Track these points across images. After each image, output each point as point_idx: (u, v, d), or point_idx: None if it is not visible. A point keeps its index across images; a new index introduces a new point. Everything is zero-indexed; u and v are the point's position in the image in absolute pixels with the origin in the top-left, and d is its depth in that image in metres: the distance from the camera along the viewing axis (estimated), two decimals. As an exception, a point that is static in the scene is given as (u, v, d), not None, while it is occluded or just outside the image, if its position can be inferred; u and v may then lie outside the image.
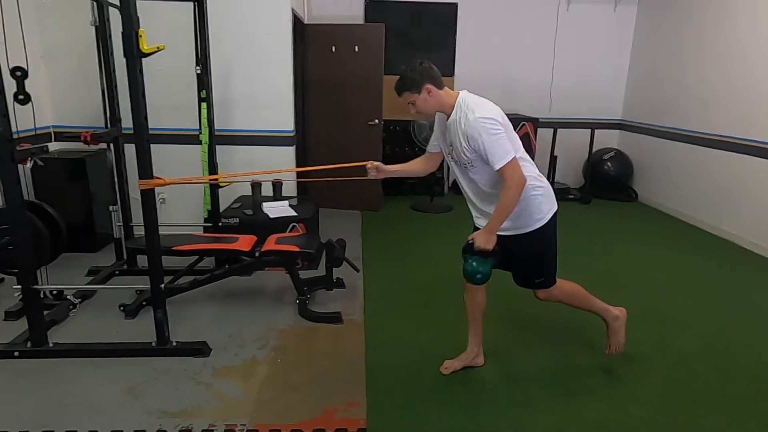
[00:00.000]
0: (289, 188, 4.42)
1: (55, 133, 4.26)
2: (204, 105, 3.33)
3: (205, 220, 3.58)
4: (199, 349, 2.60)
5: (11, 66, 2.73)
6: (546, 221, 2.22)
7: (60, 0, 3.95)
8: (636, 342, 2.76)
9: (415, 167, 2.47)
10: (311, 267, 3.51)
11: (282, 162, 4.41)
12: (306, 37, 4.98)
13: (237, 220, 3.63)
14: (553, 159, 5.96)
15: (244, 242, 3.07)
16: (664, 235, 4.88)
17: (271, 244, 3.06)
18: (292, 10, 4.25)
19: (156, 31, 3.84)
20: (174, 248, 2.98)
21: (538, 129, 5.94)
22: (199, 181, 3.27)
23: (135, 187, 4.35)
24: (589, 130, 5.93)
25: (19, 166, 2.48)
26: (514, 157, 2.03)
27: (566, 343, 2.80)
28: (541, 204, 2.20)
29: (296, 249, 2.99)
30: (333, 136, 5.22)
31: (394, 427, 2.12)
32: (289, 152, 4.43)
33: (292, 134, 4.40)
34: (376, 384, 2.40)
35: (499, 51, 6.16)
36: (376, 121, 5.12)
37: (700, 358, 2.68)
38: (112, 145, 3.46)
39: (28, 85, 3.82)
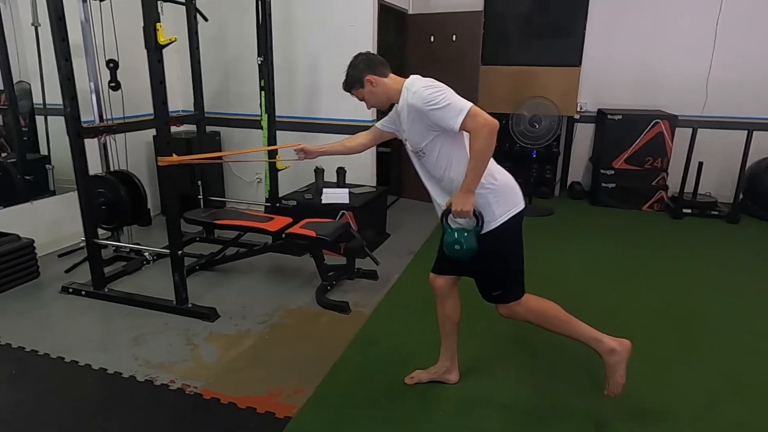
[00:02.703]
0: (367, 176, 4.51)
1: (183, 117, 5.02)
2: (263, 93, 3.58)
3: (266, 200, 3.88)
4: (206, 314, 2.87)
5: (107, 59, 3.30)
6: (499, 224, 1.91)
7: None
8: (666, 394, 2.21)
9: (349, 144, 2.37)
10: (357, 255, 3.49)
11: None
12: (407, 27, 4.96)
13: (294, 202, 3.85)
14: (690, 165, 4.91)
15: (275, 223, 3.25)
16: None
17: (297, 227, 3.19)
18: (380, 1, 4.27)
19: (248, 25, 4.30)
20: (216, 221, 3.32)
21: (678, 128, 4.97)
22: (207, 159, 3.28)
23: (236, 165, 4.96)
24: (752, 132, 4.73)
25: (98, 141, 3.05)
26: (471, 106, 1.78)
27: (564, 375, 2.37)
28: (492, 204, 1.90)
29: (313, 234, 3.06)
30: (428, 128, 5.12)
31: (320, 423, 2.07)
32: (368, 141, 4.49)
33: (372, 124, 4.45)
34: (334, 378, 2.36)
35: (638, 37, 5.29)
36: (470, 113, 4.85)
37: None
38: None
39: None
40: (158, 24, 2.46)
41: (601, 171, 5.23)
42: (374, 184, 4.54)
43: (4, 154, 3.98)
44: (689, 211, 4.89)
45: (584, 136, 5.72)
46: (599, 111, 5.46)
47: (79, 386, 2.30)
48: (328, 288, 3.21)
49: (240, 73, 4.64)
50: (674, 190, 5.11)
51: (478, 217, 1.89)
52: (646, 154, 5.04)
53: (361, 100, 2.06)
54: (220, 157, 2.94)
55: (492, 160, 1.93)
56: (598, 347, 2.01)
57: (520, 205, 1.96)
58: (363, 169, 4.51)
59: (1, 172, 3.83)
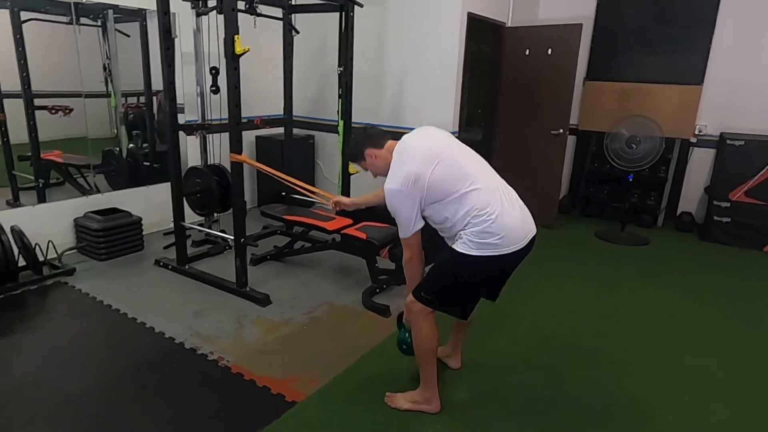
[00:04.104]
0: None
1: (273, 120, 5.41)
2: (340, 101, 3.80)
3: (338, 202, 4.09)
4: (259, 299, 3.14)
5: (210, 66, 3.76)
6: (464, 252, 1.94)
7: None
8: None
9: (381, 193, 2.38)
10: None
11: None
12: (503, 40, 4.89)
13: (363, 206, 4.01)
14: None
15: (335, 223, 3.45)
16: None
17: (352, 229, 3.34)
18: (471, 14, 4.28)
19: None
20: (284, 216, 3.61)
21: (817, 161, 4.23)
22: (266, 170, 3.39)
23: (328, 170, 5.27)
24: None
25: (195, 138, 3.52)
26: (410, 236, 2.00)
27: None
28: (474, 238, 1.92)
29: (363, 237, 3.19)
30: (516, 145, 4.99)
31: (318, 413, 2.19)
32: (448, 153, 4.52)
33: (456, 137, 4.47)
34: (348, 375, 2.46)
35: (777, 53, 4.60)
36: (560, 131, 4.63)
37: None
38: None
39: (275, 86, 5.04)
40: (236, 36, 2.79)
41: (715, 202, 4.64)
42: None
43: (145, 145, 4.70)
44: (824, 258, 4.14)
45: (702, 162, 5.11)
46: (721, 135, 4.85)
47: (137, 343, 2.68)
48: (377, 291, 3.32)
49: (335, 81, 4.94)
50: (806, 232, 4.36)
51: None
52: (773, 187, 4.37)
53: (366, 171, 2.26)
54: (285, 179, 3.14)
55: (487, 191, 1.94)
56: (424, 389, 2.19)
57: (501, 249, 1.92)
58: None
59: (131, 159, 4.54)
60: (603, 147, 4.77)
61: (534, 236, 2.02)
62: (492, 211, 1.89)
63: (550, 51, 4.56)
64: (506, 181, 2.09)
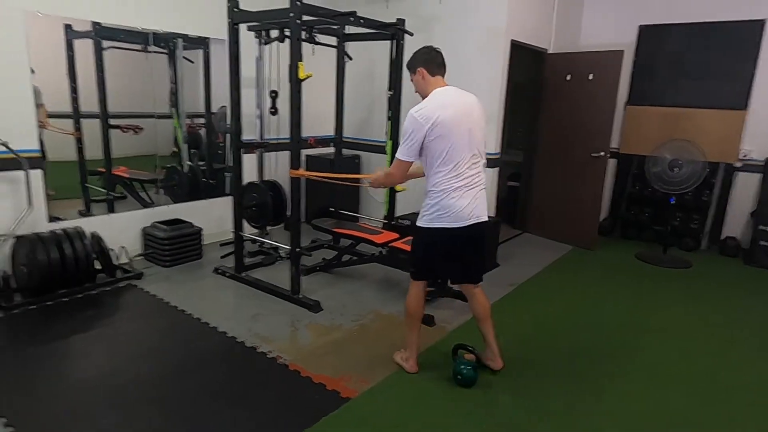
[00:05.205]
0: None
1: (325, 140, 5.69)
2: (389, 122, 4.03)
3: (384, 218, 4.29)
4: (312, 306, 3.35)
5: (270, 89, 4.08)
6: (421, 226, 2.43)
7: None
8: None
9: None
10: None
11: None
12: (545, 65, 5.05)
13: (409, 222, 4.20)
14: None
15: (382, 237, 3.64)
16: None
17: (399, 242, 3.53)
18: (514, 41, 4.48)
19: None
20: (334, 229, 3.83)
21: None
22: (323, 177, 3.57)
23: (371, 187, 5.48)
24: None
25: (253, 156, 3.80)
26: (401, 158, 2.34)
27: None
28: (428, 212, 2.38)
29: (408, 249, 3.36)
30: (557, 167, 5.10)
31: (370, 409, 2.35)
32: (490, 173, 4.67)
33: (495, 156, 4.64)
34: (396, 377, 2.62)
35: (825, 78, 4.59)
36: (601, 153, 4.73)
37: None
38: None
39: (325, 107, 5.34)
40: (300, 63, 3.06)
41: (760, 227, 4.61)
42: (490, 215, 4.68)
43: (201, 162, 5.04)
44: None
45: (748, 186, 5.07)
46: (766, 160, 4.83)
47: (205, 341, 2.93)
48: (421, 302, 3.46)
49: (382, 104, 5.20)
50: None
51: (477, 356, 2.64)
52: (821, 212, 4.32)
53: (412, 82, 2.50)
54: (335, 177, 3.35)
55: (454, 175, 2.31)
56: (410, 351, 2.63)
57: (446, 223, 2.34)
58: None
59: (191, 174, 4.88)
60: (644, 170, 4.83)
61: (480, 223, 2.40)
62: (447, 192, 2.30)
63: (591, 76, 4.70)
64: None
